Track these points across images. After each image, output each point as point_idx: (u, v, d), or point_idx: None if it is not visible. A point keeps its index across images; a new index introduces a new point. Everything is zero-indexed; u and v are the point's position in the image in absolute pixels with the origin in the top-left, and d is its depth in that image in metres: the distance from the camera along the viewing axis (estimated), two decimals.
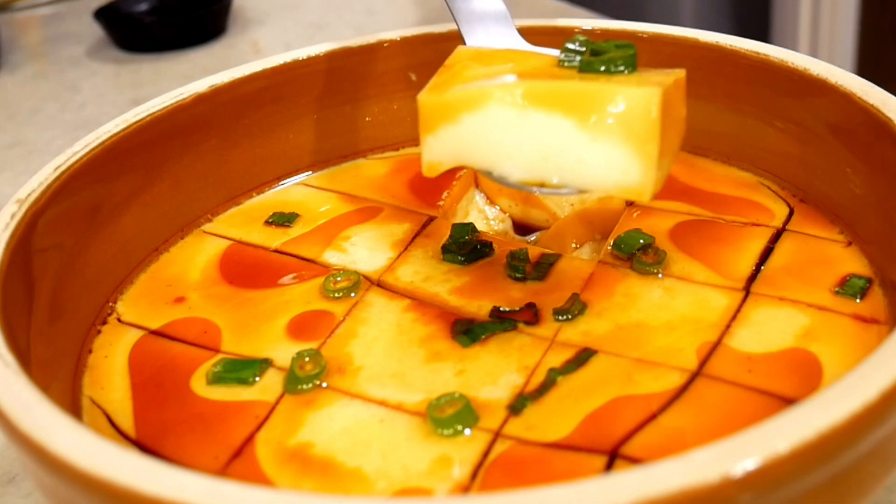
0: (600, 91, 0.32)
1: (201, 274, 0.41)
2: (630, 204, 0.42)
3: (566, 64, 0.35)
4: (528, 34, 0.46)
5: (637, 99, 0.31)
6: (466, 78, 0.35)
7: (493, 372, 0.33)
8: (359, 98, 0.49)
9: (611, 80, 0.33)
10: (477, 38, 0.40)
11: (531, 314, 0.36)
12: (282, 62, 0.47)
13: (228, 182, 0.46)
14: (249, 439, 0.31)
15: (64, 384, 0.34)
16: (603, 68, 0.33)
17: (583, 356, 0.33)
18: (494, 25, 0.41)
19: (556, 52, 0.36)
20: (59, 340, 0.35)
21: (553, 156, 0.33)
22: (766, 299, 0.36)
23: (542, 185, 0.34)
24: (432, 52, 0.48)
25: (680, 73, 0.34)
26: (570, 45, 0.35)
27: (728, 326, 0.34)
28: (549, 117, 0.32)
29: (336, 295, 0.38)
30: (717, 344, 0.34)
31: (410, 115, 0.49)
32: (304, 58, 0.47)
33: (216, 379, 0.34)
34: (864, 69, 1.70)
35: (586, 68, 0.34)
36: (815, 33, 1.73)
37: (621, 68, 0.33)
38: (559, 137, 0.32)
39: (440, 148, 0.34)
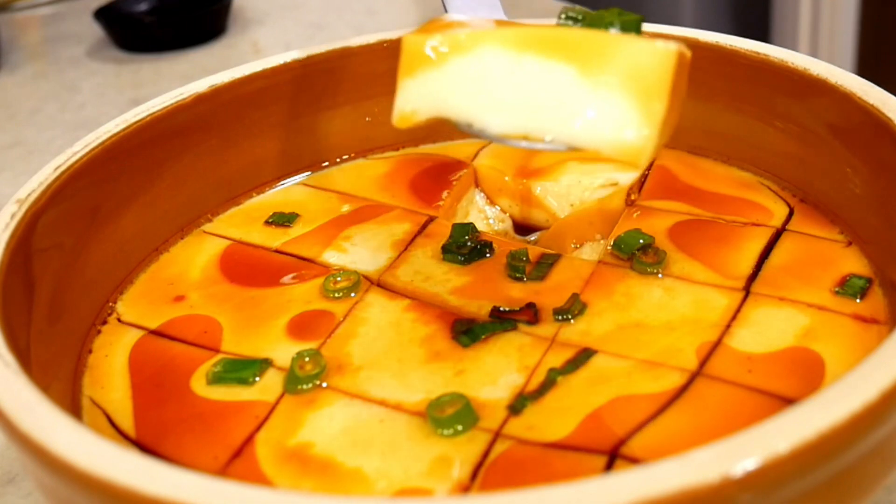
0: (608, 39, 0.30)
1: (201, 273, 0.41)
2: (630, 204, 0.42)
3: (563, 21, 0.32)
4: None
5: (651, 53, 0.29)
6: (455, 28, 0.32)
7: (493, 372, 0.33)
8: (359, 98, 0.49)
9: (617, 35, 0.31)
10: (457, 5, 0.38)
11: (531, 314, 0.36)
12: (282, 62, 0.47)
13: (228, 182, 0.46)
14: (249, 439, 0.31)
15: (64, 384, 0.34)
16: (605, 28, 0.31)
17: (583, 356, 0.33)
18: (482, 9, 0.38)
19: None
20: (59, 340, 0.35)
21: (545, 106, 0.31)
22: (766, 299, 0.36)
23: (525, 139, 0.31)
24: None
25: (686, 49, 0.32)
26: (569, 14, 0.33)
27: (728, 326, 0.34)
28: (546, 63, 0.30)
29: (336, 295, 0.38)
30: (717, 344, 0.34)
31: None
32: (304, 58, 0.47)
33: (216, 379, 0.34)
34: (864, 69, 1.70)
35: (591, 23, 0.31)
36: (815, 33, 1.73)
37: (626, 30, 0.31)
38: (555, 86, 0.30)
39: (419, 94, 0.32)
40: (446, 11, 0.38)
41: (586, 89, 0.30)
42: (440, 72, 0.32)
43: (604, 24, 0.31)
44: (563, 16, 0.32)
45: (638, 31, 0.31)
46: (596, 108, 0.30)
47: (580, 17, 0.32)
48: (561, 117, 0.31)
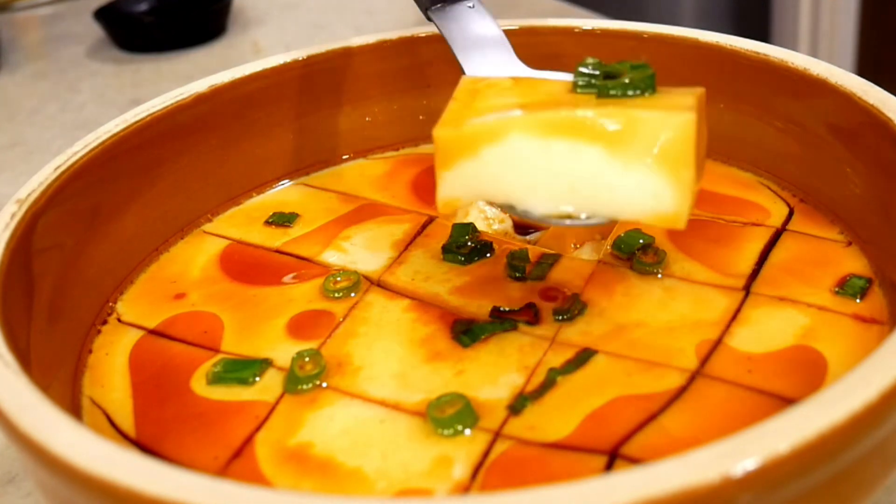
0: (629, 116, 0.31)
1: (201, 273, 0.41)
2: None
3: (580, 90, 0.33)
4: (528, 34, 0.47)
5: (670, 125, 0.30)
6: (481, 110, 0.33)
7: (493, 372, 0.33)
8: (359, 98, 0.49)
9: (635, 105, 0.31)
10: (475, 65, 0.39)
11: (531, 314, 0.36)
12: (282, 62, 0.47)
13: (228, 182, 0.46)
14: (249, 439, 0.31)
15: (64, 384, 0.34)
16: (621, 92, 0.32)
17: (583, 356, 0.33)
18: (493, 52, 0.39)
19: (561, 76, 0.35)
20: (59, 340, 0.35)
21: (580, 186, 0.32)
22: (766, 299, 0.36)
23: (568, 218, 0.32)
24: (432, 53, 0.48)
25: (699, 91, 0.33)
26: (584, 69, 0.33)
27: (728, 326, 0.34)
28: (574, 146, 0.31)
29: (336, 295, 0.38)
30: (717, 344, 0.34)
31: (410, 115, 0.50)
32: (304, 58, 0.47)
33: (216, 379, 0.34)
34: (864, 69, 1.70)
35: (604, 92, 0.32)
36: (815, 33, 1.73)
37: (641, 91, 0.32)
38: (586, 166, 0.31)
39: (458, 183, 0.33)
40: (463, 73, 0.38)
41: (616, 169, 0.31)
42: (474, 162, 0.32)
43: (620, 86, 0.32)
44: (579, 79, 0.33)
45: (653, 87, 0.32)
46: (629, 186, 0.31)
47: (595, 73, 0.33)
48: (597, 196, 0.32)
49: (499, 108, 0.33)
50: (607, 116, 0.31)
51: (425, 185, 0.45)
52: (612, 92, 0.32)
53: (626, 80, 0.32)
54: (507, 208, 0.33)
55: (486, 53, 0.39)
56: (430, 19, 0.41)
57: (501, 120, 0.32)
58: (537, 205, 0.32)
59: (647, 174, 0.31)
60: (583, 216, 0.32)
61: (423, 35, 0.48)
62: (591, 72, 0.33)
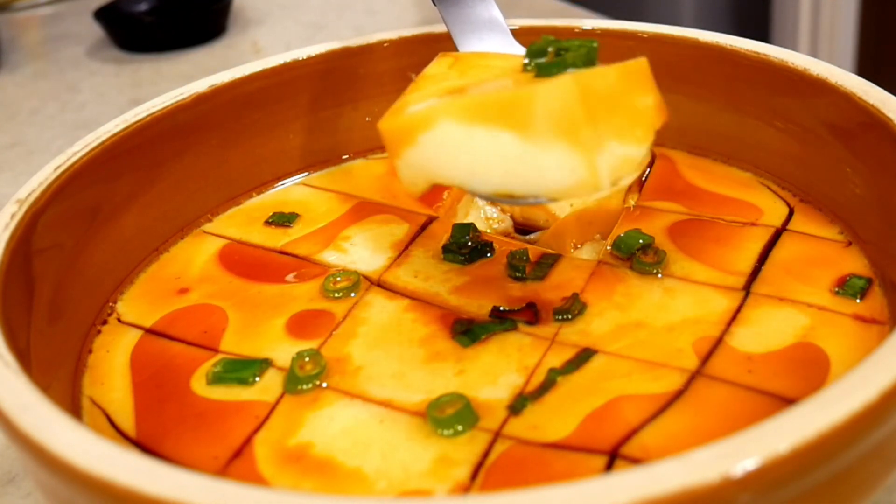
0: (526, 94, 0.31)
1: (202, 272, 0.41)
2: (631, 204, 0.42)
3: (528, 68, 0.34)
4: (528, 34, 0.46)
5: (552, 92, 0.31)
6: (425, 94, 0.34)
7: (493, 372, 0.33)
8: (359, 98, 0.49)
9: (537, 81, 0.32)
10: (471, 47, 0.40)
11: (531, 314, 0.36)
12: (282, 62, 0.47)
13: (228, 182, 0.46)
14: (249, 439, 0.31)
15: (64, 384, 0.34)
16: (558, 70, 0.32)
17: (583, 356, 0.33)
18: (489, 34, 0.40)
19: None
20: (59, 340, 0.35)
21: (509, 169, 0.32)
22: (766, 299, 0.36)
23: (510, 197, 0.33)
24: (432, 53, 0.48)
25: (637, 61, 0.33)
26: (535, 47, 0.34)
27: (728, 326, 0.34)
28: (491, 131, 0.32)
29: (336, 295, 0.38)
30: (717, 344, 0.34)
31: None
32: (304, 58, 0.47)
33: (216, 379, 0.34)
34: (864, 69, 1.70)
35: (542, 72, 0.33)
36: (815, 33, 1.73)
37: (578, 66, 0.32)
38: (508, 150, 0.32)
39: (410, 171, 0.34)
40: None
41: (530, 148, 0.31)
42: (416, 149, 0.33)
43: (554, 65, 0.32)
44: (526, 57, 0.34)
45: (591, 63, 0.32)
46: (544, 162, 0.31)
47: (546, 51, 0.34)
48: (525, 176, 0.32)
49: (439, 93, 0.34)
50: (513, 98, 0.31)
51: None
52: (547, 71, 0.32)
53: (563, 59, 0.32)
54: (461, 188, 0.34)
55: (483, 38, 0.40)
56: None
57: (431, 107, 0.33)
58: (481, 186, 0.33)
59: (551, 148, 0.31)
60: (524, 197, 0.33)
61: (423, 35, 0.48)
62: (541, 49, 0.34)
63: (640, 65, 0.33)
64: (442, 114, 0.32)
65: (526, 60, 0.34)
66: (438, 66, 0.37)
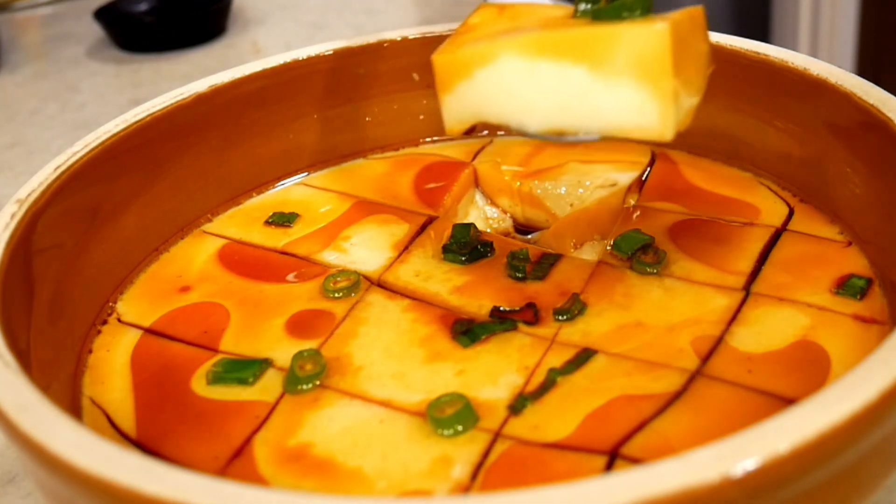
0: (607, 33, 0.32)
1: (203, 271, 0.41)
2: (630, 204, 0.42)
3: (579, 14, 0.34)
4: None
5: (645, 36, 0.31)
6: (479, 35, 0.35)
7: (493, 372, 0.33)
8: (359, 98, 0.49)
9: (618, 24, 0.32)
10: None
11: (531, 314, 0.36)
12: (282, 62, 0.47)
13: (228, 182, 0.46)
14: (249, 439, 0.31)
15: (64, 384, 0.34)
16: (616, 14, 0.33)
17: (583, 356, 0.33)
18: None
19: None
20: (59, 340, 0.35)
21: (569, 104, 0.33)
22: (766, 299, 0.36)
23: (561, 133, 0.34)
24: (432, 53, 0.48)
25: (696, 9, 0.33)
26: None
27: (728, 326, 0.34)
28: (559, 66, 0.32)
29: (336, 295, 0.38)
30: (718, 344, 0.34)
31: (410, 114, 0.50)
32: (304, 58, 0.47)
33: (216, 379, 0.34)
34: (864, 69, 1.70)
35: (599, 16, 0.33)
36: (815, 33, 1.73)
37: (636, 12, 0.32)
38: (573, 85, 0.32)
39: (458, 106, 0.35)
40: None
41: (600, 85, 0.32)
42: (469, 84, 0.34)
43: (613, 9, 0.33)
44: (578, 4, 0.34)
45: (647, 8, 0.32)
46: (612, 100, 0.32)
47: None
48: (585, 112, 0.33)
49: (496, 34, 0.34)
50: (589, 35, 0.32)
51: (425, 185, 0.45)
52: (604, 15, 0.33)
53: (619, 4, 0.33)
54: (505, 127, 0.35)
55: None
56: None
57: (492, 42, 0.33)
58: (531, 123, 0.34)
59: (627, 88, 0.32)
60: (576, 133, 0.34)
61: (424, 35, 0.48)
62: None
63: (700, 12, 0.33)
64: (506, 47, 0.33)
65: (577, 7, 0.34)
66: (484, 15, 0.37)
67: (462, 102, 0.34)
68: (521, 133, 0.34)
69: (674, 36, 0.31)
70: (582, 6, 0.34)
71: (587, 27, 0.32)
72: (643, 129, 0.32)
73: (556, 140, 0.34)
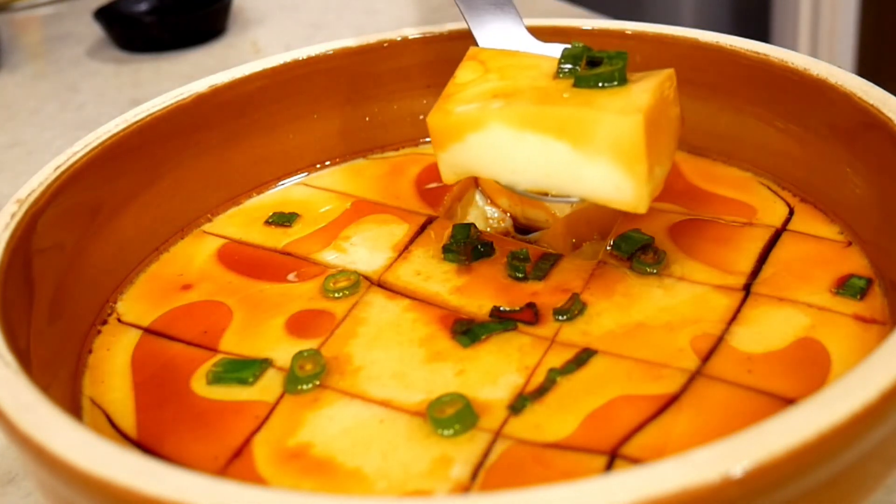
0: (588, 117, 0.34)
1: (202, 272, 0.41)
2: None
3: (562, 75, 0.36)
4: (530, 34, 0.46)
5: (621, 125, 0.33)
6: (469, 96, 0.37)
7: (493, 372, 0.33)
8: (358, 98, 0.49)
9: (598, 98, 0.34)
10: (483, 29, 0.42)
11: (531, 314, 0.36)
12: (282, 62, 0.47)
13: (228, 182, 0.46)
14: (249, 439, 0.31)
15: (64, 384, 0.34)
16: (593, 83, 0.35)
17: (583, 356, 0.33)
18: (503, 23, 0.43)
19: (558, 51, 0.38)
20: (59, 340, 0.35)
21: (553, 172, 0.35)
22: (766, 299, 0.36)
23: (546, 194, 0.37)
24: (432, 53, 0.48)
25: (665, 75, 0.35)
26: (567, 53, 0.37)
27: (728, 326, 0.34)
28: (544, 139, 0.35)
29: (336, 295, 0.38)
30: (718, 344, 0.34)
31: (410, 115, 0.50)
32: (304, 58, 0.47)
33: (216, 379, 0.34)
34: (864, 69, 1.70)
35: (579, 83, 0.35)
36: (815, 33, 1.73)
37: (612, 83, 0.35)
38: (556, 157, 0.35)
39: (452, 162, 0.37)
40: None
41: (581, 160, 0.34)
42: (462, 146, 0.36)
43: (592, 78, 0.35)
44: (562, 65, 0.37)
45: (622, 79, 0.35)
46: (592, 174, 0.34)
47: (578, 56, 0.37)
48: (568, 180, 0.35)
49: (485, 95, 0.36)
50: (568, 115, 0.34)
51: (426, 185, 0.45)
52: (584, 83, 0.35)
53: (597, 73, 0.35)
54: (496, 181, 0.37)
55: (498, 26, 0.43)
56: None
57: (483, 110, 0.36)
58: (519, 182, 0.36)
59: (606, 168, 0.34)
60: (558, 196, 0.37)
61: (424, 35, 0.48)
62: (575, 55, 0.37)
63: (672, 77, 0.36)
64: (494, 118, 0.35)
65: (560, 66, 0.37)
66: (471, 70, 0.39)
67: (455, 160, 0.37)
68: (511, 189, 0.39)
69: (648, 121, 0.33)
70: (565, 66, 0.36)
71: (570, 106, 0.34)
72: (619, 201, 0.34)
73: (542, 200, 0.39)
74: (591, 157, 0.34)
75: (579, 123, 0.34)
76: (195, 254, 0.42)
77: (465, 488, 0.29)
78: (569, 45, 0.37)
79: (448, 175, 0.38)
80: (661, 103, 0.35)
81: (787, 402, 0.31)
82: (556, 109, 0.35)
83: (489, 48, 0.41)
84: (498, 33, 0.43)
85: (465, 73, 0.38)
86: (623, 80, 0.35)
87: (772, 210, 0.41)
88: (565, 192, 0.35)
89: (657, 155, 0.34)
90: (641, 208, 0.34)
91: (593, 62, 0.36)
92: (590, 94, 0.35)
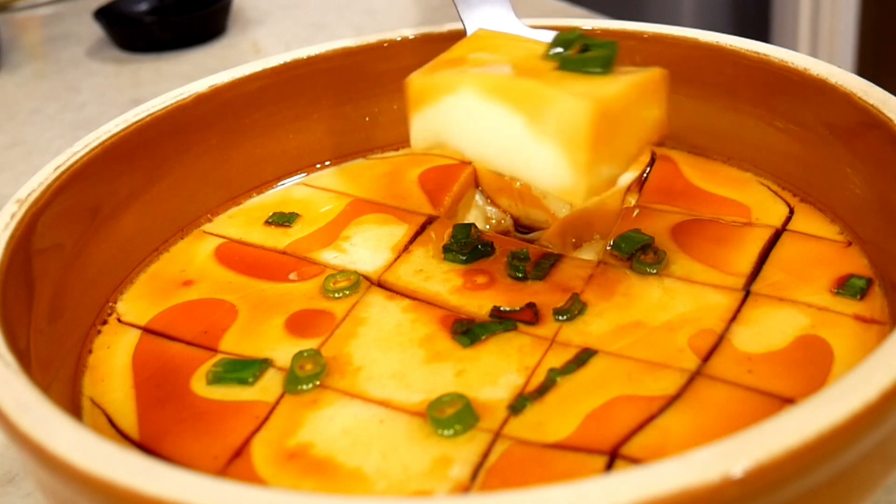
0: (546, 94, 0.33)
1: (202, 271, 0.41)
2: (630, 204, 0.42)
3: (549, 57, 0.36)
4: None
5: (571, 108, 0.33)
6: (455, 63, 0.37)
7: (493, 372, 0.33)
8: (359, 98, 0.49)
9: (567, 81, 0.34)
10: (471, 13, 0.43)
11: (531, 314, 0.36)
12: (282, 62, 0.47)
13: (228, 182, 0.46)
14: (249, 439, 0.31)
15: (64, 384, 0.34)
16: (578, 68, 0.35)
17: (583, 356, 0.33)
18: (491, 7, 0.43)
19: (549, 37, 0.38)
20: (59, 340, 0.35)
21: (508, 149, 0.35)
22: (766, 299, 0.36)
23: (501, 171, 0.36)
24: (432, 53, 0.48)
25: (652, 73, 0.35)
26: (561, 37, 0.37)
27: (728, 326, 0.34)
28: (506, 111, 0.34)
29: (336, 295, 0.38)
30: (718, 344, 0.34)
31: None
32: (304, 58, 0.47)
33: (216, 379, 0.34)
34: (864, 69, 1.70)
35: (563, 66, 0.35)
36: (815, 33, 1.73)
37: (595, 69, 0.35)
38: (512, 132, 0.34)
39: (423, 127, 0.37)
40: (463, 25, 0.43)
41: (530, 139, 0.34)
42: (435, 108, 0.36)
43: (575, 62, 0.35)
44: (552, 47, 0.37)
45: (608, 66, 0.35)
46: (538, 156, 0.34)
47: (570, 42, 0.36)
48: (518, 161, 0.35)
49: (468, 65, 0.37)
50: (534, 89, 0.34)
51: (426, 185, 0.45)
52: (567, 66, 0.35)
53: (584, 57, 0.35)
54: (459, 153, 0.37)
55: (485, 9, 0.43)
56: None
57: (459, 74, 0.36)
58: (478, 155, 0.36)
59: (549, 150, 0.34)
60: (511, 176, 0.37)
61: (424, 35, 0.48)
62: (568, 41, 0.36)
63: (660, 78, 0.35)
64: (468, 82, 0.35)
65: (553, 49, 0.36)
66: (469, 44, 0.39)
67: (427, 124, 0.37)
68: (473, 161, 0.38)
69: (602, 112, 0.33)
70: (554, 49, 0.36)
71: (534, 81, 0.34)
72: (557, 188, 0.34)
73: (498, 173, 0.39)
74: (540, 136, 0.34)
75: (537, 99, 0.34)
76: (195, 254, 0.42)
77: (465, 488, 0.29)
78: (562, 33, 0.37)
79: (417, 140, 0.38)
80: (634, 100, 0.34)
81: (787, 402, 0.31)
82: (522, 82, 0.34)
83: (496, 31, 0.41)
84: (486, 17, 0.43)
85: (460, 47, 0.39)
86: (606, 68, 0.35)
87: (772, 210, 0.41)
88: (516, 173, 0.35)
89: (610, 151, 0.34)
90: (578, 199, 0.34)
91: (586, 49, 0.36)
92: (565, 77, 0.35)
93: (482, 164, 0.37)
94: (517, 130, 0.34)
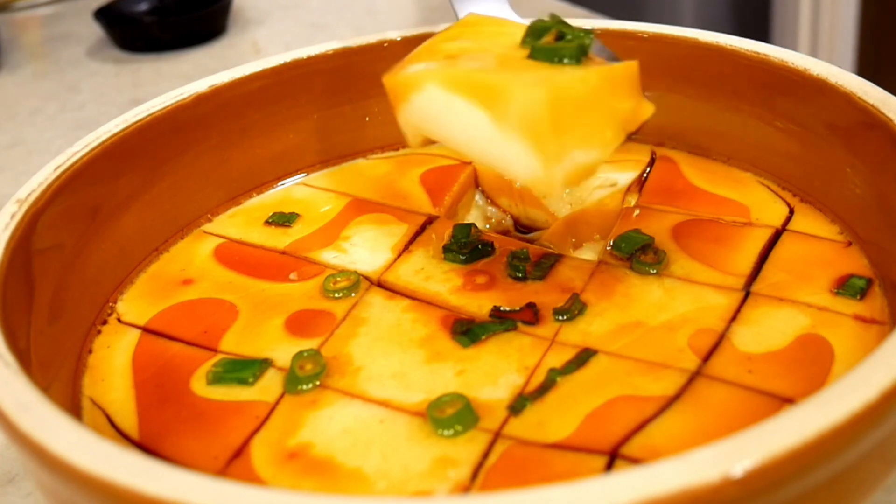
0: (502, 85, 0.33)
1: (202, 271, 0.41)
2: (630, 204, 0.42)
3: (522, 45, 0.35)
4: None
5: (526, 99, 0.32)
6: (429, 55, 0.36)
7: (493, 372, 0.33)
8: (359, 98, 0.49)
9: (529, 70, 0.33)
10: (463, 2, 0.43)
11: (531, 314, 0.36)
12: (282, 62, 0.47)
13: (228, 182, 0.46)
14: (249, 439, 0.31)
15: (64, 384, 0.34)
16: (548, 58, 0.34)
17: (583, 356, 0.33)
18: (486, 3, 0.42)
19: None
20: (59, 340, 0.35)
21: (480, 142, 0.34)
22: (766, 299, 0.36)
23: (483, 163, 0.35)
24: None
25: (623, 65, 0.34)
26: (537, 25, 0.36)
27: (728, 326, 0.34)
28: (469, 105, 0.34)
29: (336, 295, 0.38)
30: (718, 344, 0.34)
31: None
32: (304, 58, 0.47)
33: (216, 379, 0.34)
34: (864, 69, 1.70)
35: (533, 55, 0.34)
36: (815, 33, 1.73)
37: (566, 58, 0.34)
38: (480, 126, 0.34)
39: (409, 123, 0.36)
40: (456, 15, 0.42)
41: (497, 132, 0.33)
42: (409, 107, 0.36)
43: (546, 52, 0.34)
44: (526, 36, 0.36)
45: (578, 57, 0.34)
46: (507, 149, 0.33)
47: (546, 30, 0.35)
48: (493, 153, 0.34)
49: (439, 56, 0.36)
50: (496, 83, 0.33)
51: (426, 185, 0.45)
52: (538, 56, 0.34)
53: (555, 47, 0.34)
54: (446, 146, 0.36)
55: (481, 7, 0.42)
56: None
57: (423, 71, 0.35)
58: (463, 150, 0.35)
59: (515, 142, 0.33)
60: (498, 171, 0.35)
61: (424, 35, 0.48)
62: (540, 30, 0.35)
63: (628, 69, 0.34)
64: (429, 78, 0.34)
65: (526, 38, 0.36)
66: (453, 32, 0.38)
67: (410, 121, 0.36)
68: (460, 154, 0.37)
69: (553, 97, 0.32)
70: (527, 38, 0.35)
71: (501, 73, 0.33)
72: (531, 180, 0.33)
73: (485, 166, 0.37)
74: (504, 128, 0.33)
75: (496, 92, 0.33)
76: (195, 254, 0.42)
77: (465, 488, 0.29)
78: (538, 20, 0.36)
79: (409, 137, 0.37)
80: (599, 86, 0.33)
81: (787, 402, 0.31)
82: (482, 75, 0.34)
83: (485, 15, 0.40)
84: (479, 5, 0.42)
85: (443, 35, 0.38)
86: (575, 58, 0.34)
87: (772, 210, 0.41)
88: (497, 167, 0.34)
89: (579, 136, 0.33)
90: (555, 189, 0.33)
91: (561, 37, 0.35)
92: (530, 67, 0.34)
93: (468, 157, 0.36)
94: (484, 124, 0.33)
